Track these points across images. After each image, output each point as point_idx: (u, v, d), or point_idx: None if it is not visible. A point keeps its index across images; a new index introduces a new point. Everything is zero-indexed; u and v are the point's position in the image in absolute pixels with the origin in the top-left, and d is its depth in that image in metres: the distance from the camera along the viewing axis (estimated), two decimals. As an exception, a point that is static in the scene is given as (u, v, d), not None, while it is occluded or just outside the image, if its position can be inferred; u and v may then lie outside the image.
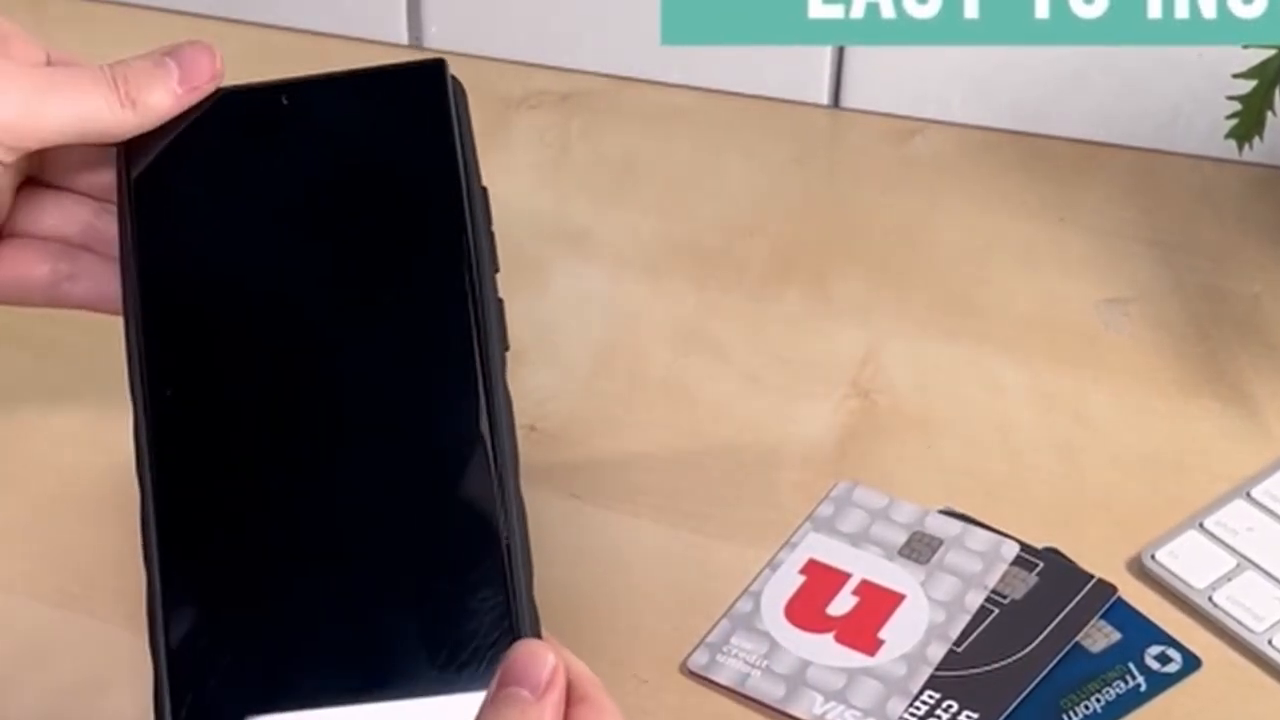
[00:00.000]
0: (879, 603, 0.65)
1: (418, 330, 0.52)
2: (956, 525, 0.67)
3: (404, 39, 0.94)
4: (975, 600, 0.64)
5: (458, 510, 0.51)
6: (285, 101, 0.55)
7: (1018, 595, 0.65)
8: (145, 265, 0.54)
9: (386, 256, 0.53)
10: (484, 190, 0.54)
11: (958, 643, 0.63)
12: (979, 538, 0.67)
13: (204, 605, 0.49)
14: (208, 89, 0.55)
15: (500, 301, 0.52)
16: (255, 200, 0.54)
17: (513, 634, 0.49)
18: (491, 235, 0.53)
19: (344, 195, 0.54)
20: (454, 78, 0.55)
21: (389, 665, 0.49)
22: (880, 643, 0.63)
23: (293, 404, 0.51)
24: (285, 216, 0.54)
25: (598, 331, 0.78)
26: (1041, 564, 0.66)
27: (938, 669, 0.63)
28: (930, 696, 0.62)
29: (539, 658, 0.49)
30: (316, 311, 0.52)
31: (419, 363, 0.51)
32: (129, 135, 0.55)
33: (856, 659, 0.63)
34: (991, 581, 0.65)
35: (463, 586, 0.50)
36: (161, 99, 0.55)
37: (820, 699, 0.62)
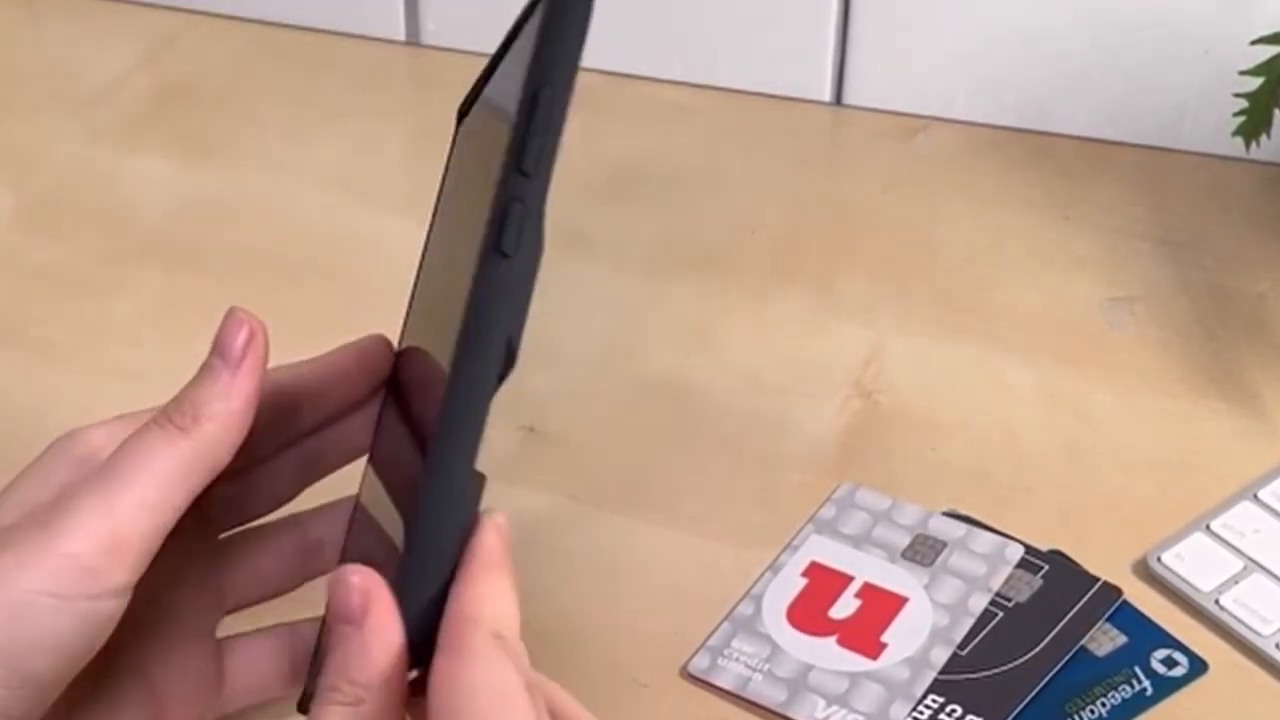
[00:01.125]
0: (882, 606, 0.65)
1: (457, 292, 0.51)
2: (960, 528, 0.67)
3: (401, 35, 0.95)
4: (979, 603, 0.64)
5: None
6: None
7: (1022, 598, 0.65)
8: None
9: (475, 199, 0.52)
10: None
11: (961, 646, 0.63)
12: (983, 540, 0.67)
13: None
14: (258, 351, 0.51)
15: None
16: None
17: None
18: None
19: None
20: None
21: None
22: (883, 646, 0.63)
23: None
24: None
25: (598, 331, 0.78)
26: (1046, 566, 0.66)
27: (941, 672, 0.63)
28: (934, 700, 0.62)
29: (344, 583, 0.46)
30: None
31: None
32: (212, 457, 0.51)
33: (859, 662, 0.63)
34: (996, 584, 0.65)
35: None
36: (220, 407, 0.51)
37: (822, 703, 0.62)
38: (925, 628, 0.64)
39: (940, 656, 0.63)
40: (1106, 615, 0.64)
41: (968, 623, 0.64)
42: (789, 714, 0.62)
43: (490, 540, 0.47)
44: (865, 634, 0.64)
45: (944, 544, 0.67)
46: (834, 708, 0.61)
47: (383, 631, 0.46)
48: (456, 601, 0.46)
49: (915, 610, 0.64)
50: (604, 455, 0.72)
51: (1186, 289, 0.79)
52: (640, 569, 0.67)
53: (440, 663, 0.45)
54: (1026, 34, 0.87)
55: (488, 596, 0.46)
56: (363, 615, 0.46)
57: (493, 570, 0.47)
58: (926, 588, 0.65)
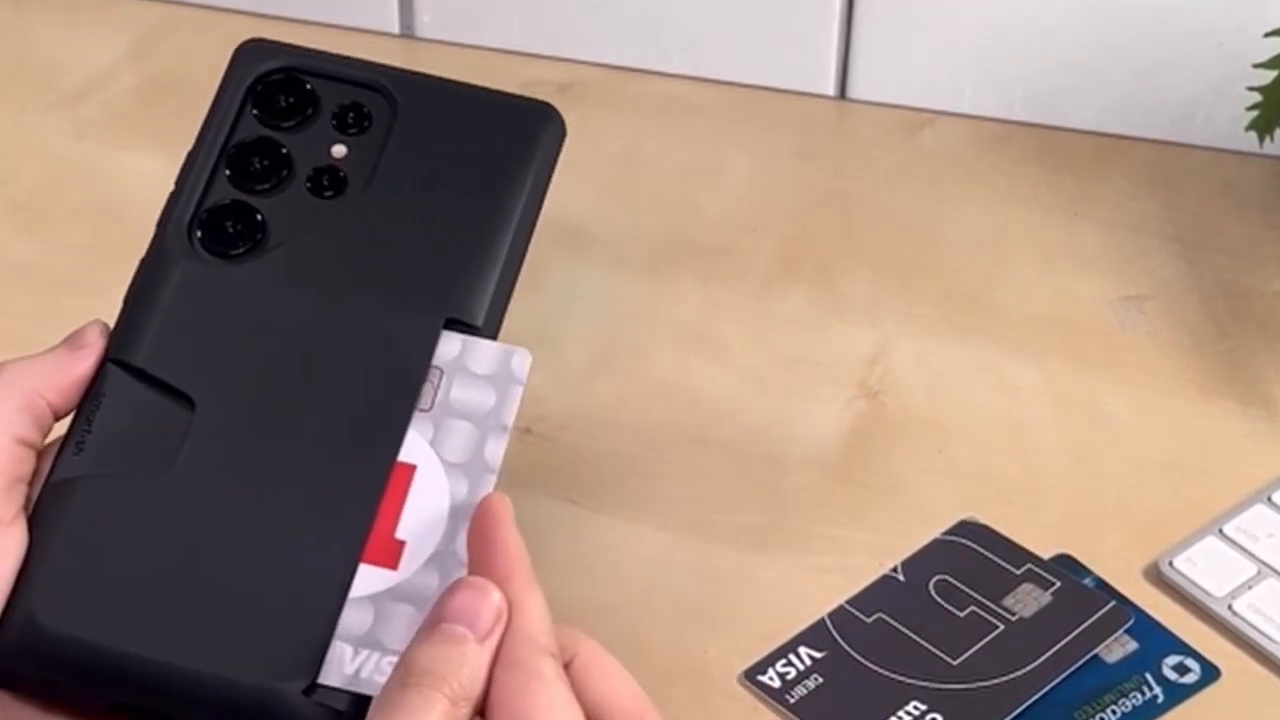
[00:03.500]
0: (391, 485, 0.52)
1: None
2: (455, 343, 0.54)
3: (395, 28, 0.95)
4: (498, 450, 0.52)
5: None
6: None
7: (1027, 613, 0.65)
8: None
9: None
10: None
11: (954, 655, 0.63)
12: (483, 355, 0.54)
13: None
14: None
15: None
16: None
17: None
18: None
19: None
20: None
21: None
22: (401, 547, 0.51)
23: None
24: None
25: (596, 330, 0.78)
26: (1058, 583, 0.66)
27: (927, 680, 0.63)
28: (916, 708, 0.62)
29: (485, 595, 0.49)
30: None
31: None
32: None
33: (378, 579, 0.51)
34: (509, 417, 0.53)
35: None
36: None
37: (349, 652, 0.51)
38: (443, 507, 0.51)
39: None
40: (1109, 639, 0.64)
41: (489, 483, 0.52)
42: (323, 681, 0.50)
43: (519, 547, 0.51)
44: (378, 534, 0.52)
45: (440, 372, 0.54)
46: (365, 652, 0.50)
47: (490, 653, 0.49)
48: (517, 617, 0.50)
49: (427, 483, 0.52)
50: (603, 457, 0.72)
51: (1199, 287, 0.79)
52: (639, 574, 0.68)
53: (509, 680, 0.49)
54: (1035, 26, 0.87)
55: (536, 610, 0.50)
56: (490, 634, 0.49)
57: (530, 578, 0.51)
58: (433, 444, 0.53)
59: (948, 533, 0.68)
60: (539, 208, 0.58)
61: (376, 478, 0.52)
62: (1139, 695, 0.62)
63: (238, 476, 0.52)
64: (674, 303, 0.79)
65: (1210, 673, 0.63)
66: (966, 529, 0.68)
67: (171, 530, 0.52)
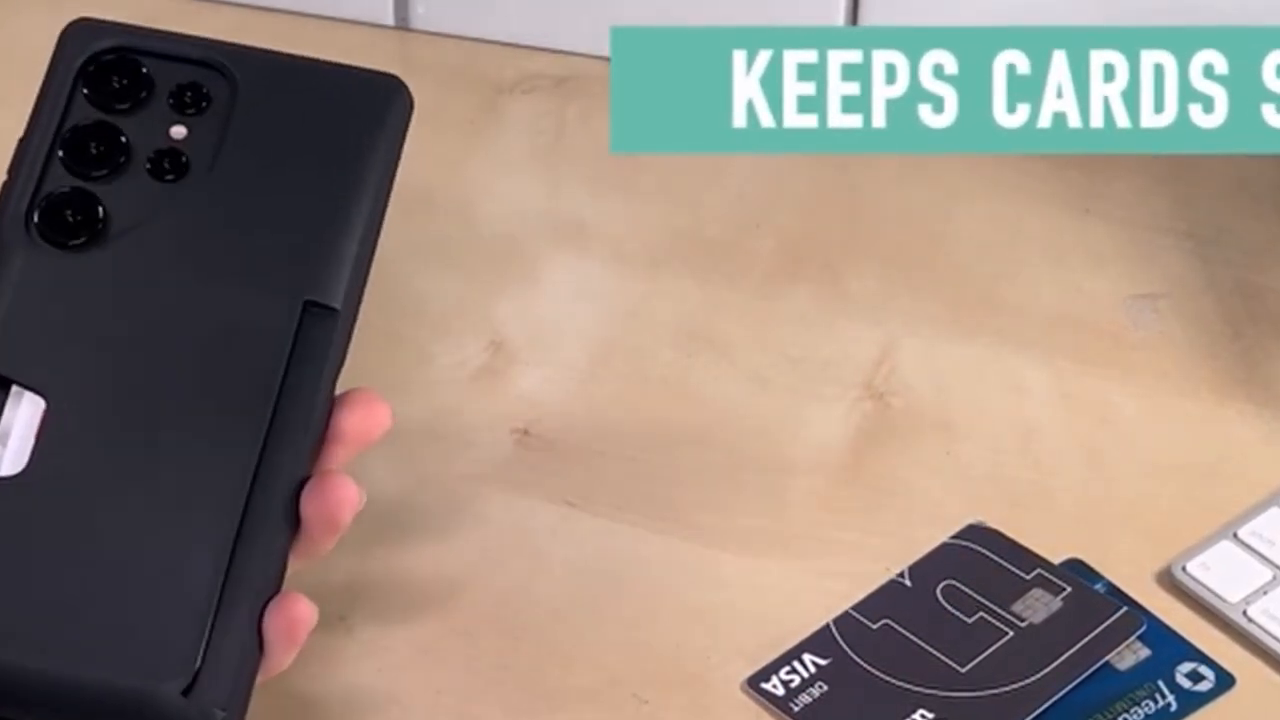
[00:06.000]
0: None
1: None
2: None
3: (390, 20, 0.94)
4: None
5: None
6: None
7: (1037, 619, 0.65)
8: None
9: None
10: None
11: (962, 663, 0.63)
12: None
13: None
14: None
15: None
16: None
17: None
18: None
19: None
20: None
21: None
22: None
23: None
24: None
25: (595, 329, 0.78)
26: (1068, 589, 0.66)
27: (934, 687, 0.62)
28: (923, 716, 0.62)
29: None
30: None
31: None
32: None
33: None
34: None
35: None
36: None
37: None
38: None
39: None
40: (1121, 646, 0.64)
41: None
42: None
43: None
44: None
45: None
46: None
47: None
48: None
49: None
50: (601, 459, 0.72)
51: (1212, 285, 0.79)
52: (640, 579, 0.67)
53: None
54: (1042, 19, 0.86)
55: None
56: None
57: None
58: None
59: (955, 537, 0.68)
60: (391, 182, 0.57)
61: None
62: (1152, 703, 0.62)
63: (97, 472, 0.52)
64: (675, 301, 0.79)
65: (1225, 680, 0.63)
66: (975, 533, 0.68)
67: (30, 532, 0.51)
